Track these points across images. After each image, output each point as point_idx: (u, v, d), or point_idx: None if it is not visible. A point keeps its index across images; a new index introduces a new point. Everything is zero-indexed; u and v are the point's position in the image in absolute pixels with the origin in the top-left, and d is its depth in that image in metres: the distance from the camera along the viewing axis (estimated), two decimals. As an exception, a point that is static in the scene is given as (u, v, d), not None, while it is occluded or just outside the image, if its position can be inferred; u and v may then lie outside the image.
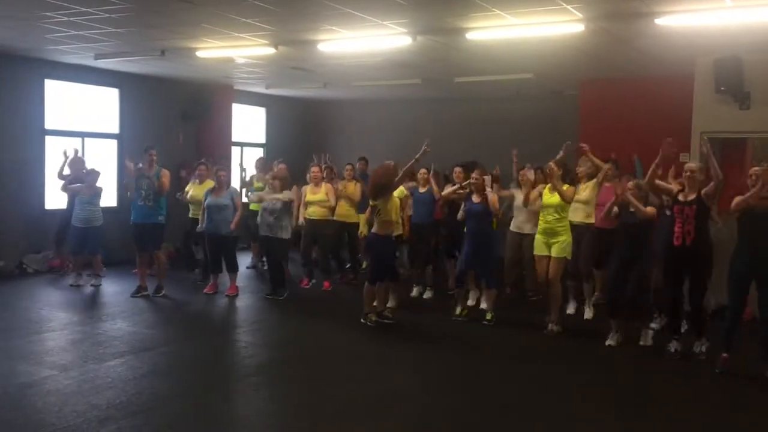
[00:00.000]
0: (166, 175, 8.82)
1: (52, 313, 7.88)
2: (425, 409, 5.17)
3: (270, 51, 8.72)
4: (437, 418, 4.98)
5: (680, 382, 5.99)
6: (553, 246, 7.40)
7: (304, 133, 15.33)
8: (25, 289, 9.17)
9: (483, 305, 8.08)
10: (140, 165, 8.71)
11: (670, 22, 6.65)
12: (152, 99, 12.03)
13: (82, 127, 11.23)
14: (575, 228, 7.71)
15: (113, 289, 9.19)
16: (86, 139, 11.25)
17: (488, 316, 7.79)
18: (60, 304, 8.41)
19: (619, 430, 4.91)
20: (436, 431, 4.80)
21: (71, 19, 7.43)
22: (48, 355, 6.27)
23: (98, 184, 9.31)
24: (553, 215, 7.40)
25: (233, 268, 8.98)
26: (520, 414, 5.11)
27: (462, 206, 7.95)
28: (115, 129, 11.74)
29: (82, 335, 7.00)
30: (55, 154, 10.41)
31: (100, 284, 9.28)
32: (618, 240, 6.97)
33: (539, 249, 7.53)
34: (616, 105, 10.54)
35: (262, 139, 14.93)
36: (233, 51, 9.00)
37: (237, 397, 5.50)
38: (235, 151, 13.97)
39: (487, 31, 7.30)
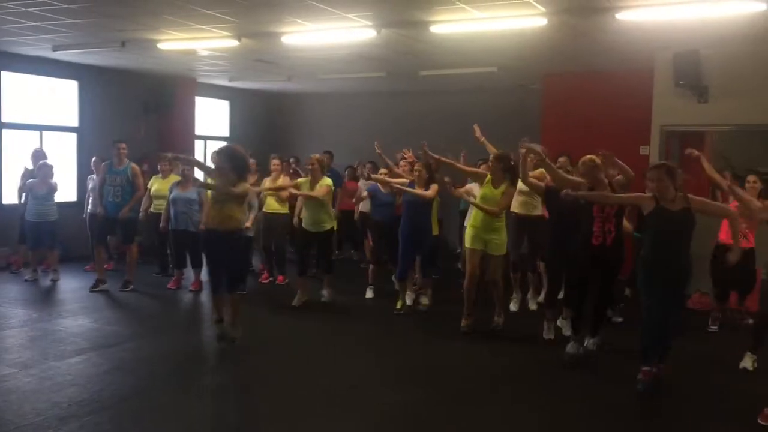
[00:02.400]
0: (138, 173, 8.84)
1: (10, 310, 7.71)
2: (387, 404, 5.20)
3: (233, 43, 8.63)
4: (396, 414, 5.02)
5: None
6: (489, 243, 7.01)
7: (269, 126, 15.23)
8: (-17, 286, 8.96)
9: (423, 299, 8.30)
10: (108, 161, 8.65)
11: (630, 16, 6.76)
12: (113, 92, 11.82)
13: (40, 120, 10.99)
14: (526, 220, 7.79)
15: (72, 285, 9.03)
16: (44, 132, 11.01)
17: (424, 301, 8.11)
18: (18, 300, 8.24)
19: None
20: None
21: (28, 9, 7.26)
22: (7, 353, 6.13)
23: (53, 179, 9.13)
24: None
25: (198, 264, 8.90)
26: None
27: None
28: (74, 122, 11.51)
29: (41, 332, 6.87)
30: (12, 148, 10.20)
31: (59, 279, 9.13)
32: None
33: (472, 242, 7.09)
34: (578, 98, 10.68)
35: (226, 133, 14.78)
36: (196, 43, 8.90)
37: (200, 393, 5.45)
38: (199, 144, 13.84)
39: (451, 25, 7.33)
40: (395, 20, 7.42)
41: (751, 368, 5.94)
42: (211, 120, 14.40)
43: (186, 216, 8.65)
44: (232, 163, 6.18)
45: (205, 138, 14.11)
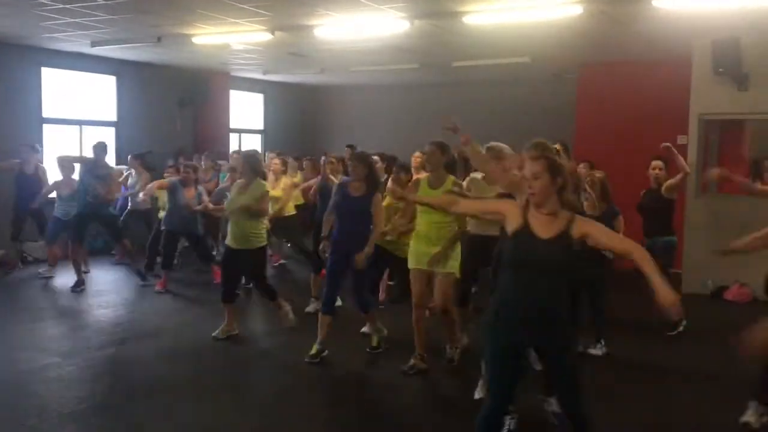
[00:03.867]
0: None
1: (52, 301, 7.90)
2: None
3: (267, 37, 8.69)
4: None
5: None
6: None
7: (303, 118, 15.32)
8: (26, 278, 9.17)
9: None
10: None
11: (667, 4, 6.64)
12: (149, 86, 11.99)
13: (79, 115, 11.21)
14: None
15: (110, 277, 9.21)
16: (84, 127, 11.24)
17: (374, 342, 6.13)
18: (60, 292, 8.42)
19: None
20: None
21: (67, 6, 7.40)
22: (50, 342, 6.30)
23: (74, 176, 8.74)
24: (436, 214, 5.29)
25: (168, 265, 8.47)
26: None
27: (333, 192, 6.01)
28: (112, 117, 11.72)
29: (83, 322, 7.03)
30: (53, 142, 10.40)
31: (89, 271, 9.20)
32: None
33: (417, 260, 5.51)
34: (614, 88, 10.52)
35: (261, 126, 14.92)
36: (230, 37, 8.97)
37: (238, 382, 5.54)
38: (234, 137, 13.99)
39: (485, 15, 7.27)
40: (428, 11, 7.39)
41: (755, 424, 4.58)
42: (246, 113, 14.53)
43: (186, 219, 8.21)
44: None
45: (239, 131, 14.25)
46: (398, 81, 13.67)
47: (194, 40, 9.13)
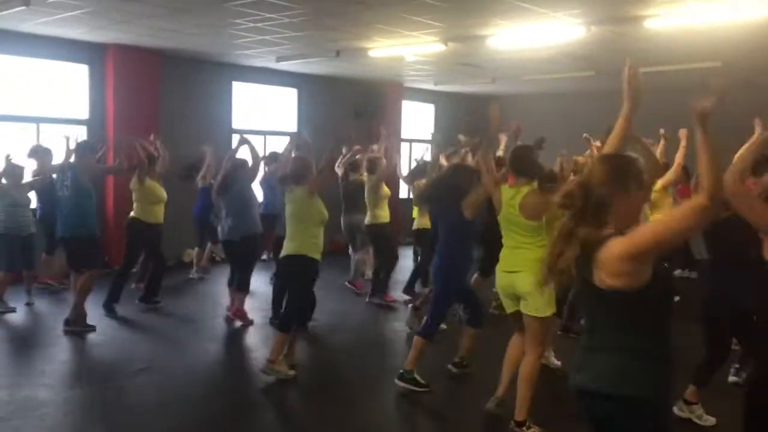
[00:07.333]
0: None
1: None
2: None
3: (440, 48, 8.80)
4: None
5: None
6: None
7: (473, 128, 15.27)
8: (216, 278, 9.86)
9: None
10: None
11: None
12: (327, 98, 12.58)
13: (264, 126, 11.99)
14: None
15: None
16: (268, 136, 12.00)
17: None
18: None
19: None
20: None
21: (257, 25, 7.95)
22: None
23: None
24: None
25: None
26: None
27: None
28: (293, 127, 12.40)
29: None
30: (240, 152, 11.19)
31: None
32: None
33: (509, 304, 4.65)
34: (820, 93, 9.50)
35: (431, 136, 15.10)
36: (404, 49, 9.19)
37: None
38: (405, 147, 14.27)
39: (669, 19, 6.87)
40: (606, 16, 7.11)
41: None
42: (417, 123, 14.78)
43: None
44: None
45: (410, 141, 14.52)
46: (572, 89, 13.26)
47: (370, 53, 9.45)
